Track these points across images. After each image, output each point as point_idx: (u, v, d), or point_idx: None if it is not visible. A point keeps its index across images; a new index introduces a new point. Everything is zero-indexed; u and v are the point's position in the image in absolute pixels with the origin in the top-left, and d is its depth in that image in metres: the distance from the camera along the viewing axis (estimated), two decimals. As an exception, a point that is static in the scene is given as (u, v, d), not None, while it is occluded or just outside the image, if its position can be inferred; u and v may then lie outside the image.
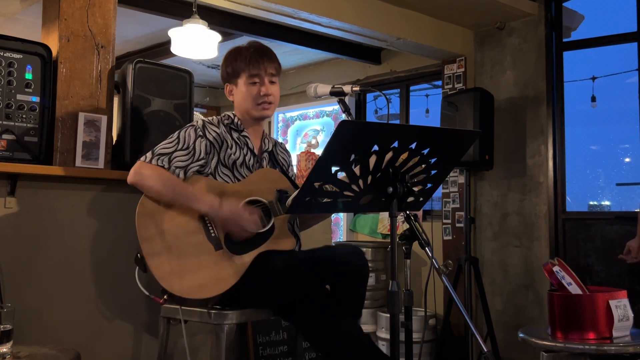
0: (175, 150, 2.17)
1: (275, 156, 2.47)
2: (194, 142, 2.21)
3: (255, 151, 2.37)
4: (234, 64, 2.34)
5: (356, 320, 2.21)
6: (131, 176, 2.15)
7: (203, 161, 2.22)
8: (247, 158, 2.32)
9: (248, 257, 2.14)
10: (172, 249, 2.10)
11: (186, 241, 2.12)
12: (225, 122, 2.36)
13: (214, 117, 2.36)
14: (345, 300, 2.16)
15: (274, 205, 2.21)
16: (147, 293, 2.13)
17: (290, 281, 2.08)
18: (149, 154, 2.17)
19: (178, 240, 2.11)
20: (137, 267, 2.13)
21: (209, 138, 2.25)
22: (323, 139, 6.30)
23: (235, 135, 2.34)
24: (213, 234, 2.15)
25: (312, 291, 2.08)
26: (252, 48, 2.35)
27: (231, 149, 2.29)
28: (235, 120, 2.37)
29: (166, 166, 2.14)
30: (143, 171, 2.13)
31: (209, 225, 2.15)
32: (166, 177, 2.13)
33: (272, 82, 2.34)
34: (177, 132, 2.24)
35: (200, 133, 2.24)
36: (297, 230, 2.42)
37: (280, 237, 2.21)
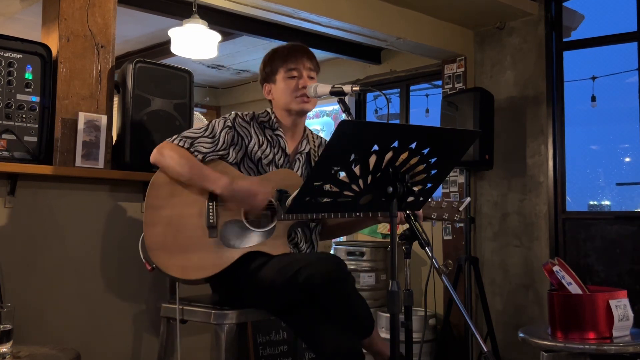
0: (201, 137, 2.23)
1: (312, 158, 2.42)
2: (220, 132, 2.25)
3: (288, 151, 2.35)
4: (273, 62, 2.36)
5: (356, 335, 2.11)
6: (153, 155, 2.21)
7: (224, 152, 2.25)
8: (277, 157, 2.32)
9: (236, 253, 2.14)
10: (171, 225, 2.14)
11: (186, 221, 2.15)
12: (261, 119, 2.36)
13: (249, 112, 2.37)
14: (331, 315, 2.06)
15: (280, 208, 2.20)
16: (142, 256, 2.17)
17: (269, 293, 2.08)
18: (175, 136, 2.23)
19: (178, 218, 2.15)
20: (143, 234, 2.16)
21: (238, 130, 2.29)
22: (323, 138, 6.30)
23: (268, 133, 2.35)
24: (212, 221, 2.16)
25: (294, 301, 2.06)
26: (289, 45, 2.39)
27: (261, 145, 2.30)
28: (272, 117, 2.37)
29: (187, 147, 2.19)
30: (164, 151, 2.19)
31: (210, 211, 2.17)
32: (185, 156, 2.18)
33: (310, 78, 2.33)
34: (208, 121, 2.30)
35: (229, 124, 2.28)
36: (313, 238, 2.39)
37: (276, 241, 2.19)
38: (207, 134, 2.24)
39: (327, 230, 2.48)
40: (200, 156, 2.21)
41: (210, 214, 2.17)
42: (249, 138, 2.30)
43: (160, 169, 2.21)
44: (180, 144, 2.20)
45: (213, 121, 2.29)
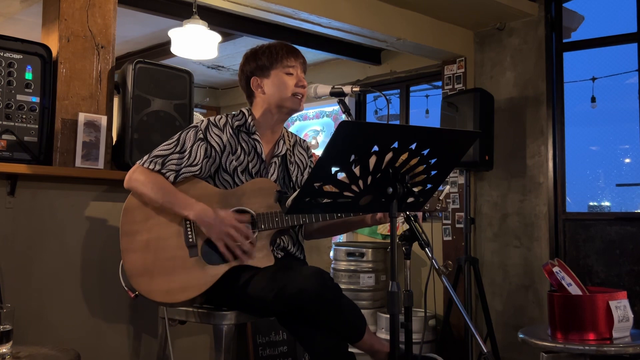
0: (172, 153, 2.17)
1: (289, 159, 2.38)
2: (192, 146, 2.19)
3: (264, 156, 2.30)
4: (268, 55, 2.29)
5: (347, 340, 2.12)
6: (126, 181, 2.17)
7: (197, 167, 2.19)
8: (251, 164, 2.27)
9: (221, 269, 2.11)
10: (149, 249, 2.10)
11: (164, 243, 2.12)
12: (236, 123, 2.29)
13: (223, 116, 2.29)
14: (321, 322, 2.05)
15: (260, 218, 2.17)
16: (123, 284, 2.14)
17: (259, 307, 2.08)
18: (145, 157, 2.17)
19: (156, 241, 2.12)
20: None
21: (211, 142, 2.22)
22: (323, 139, 6.30)
23: (244, 137, 2.29)
24: (191, 240, 2.13)
25: (282, 313, 2.06)
26: (283, 43, 2.34)
27: (234, 154, 2.25)
28: (249, 121, 2.31)
29: (158, 168, 2.14)
30: (137, 177, 2.15)
31: (188, 230, 2.14)
32: (159, 183, 2.13)
33: (303, 78, 2.32)
34: (179, 133, 2.22)
35: (201, 136, 2.21)
36: (300, 239, 2.39)
37: (260, 254, 2.16)
38: (178, 149, 2.18)
39: (311, 232, 2.48)
40: (172, 175, 2.15)
41: (189, 233, 2.14)
42: (222, 148, 2.24)
43: (131, 194, 2.17)
44: (151, 167, 2.14)
45: (182, 133, 2.21)
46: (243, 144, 2.28)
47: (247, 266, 2.13)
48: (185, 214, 2.13)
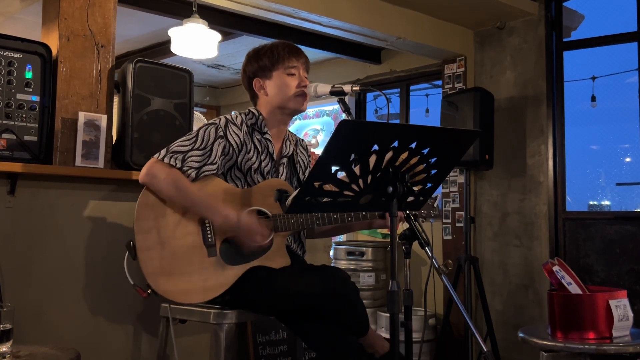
0: (192, 149, 2.11)
1: (294, 159, 2.39)
2: (212, 144, 2.15)
3: (275, 156, 2.30)
4: (270, 56, 2.28)
5: (355, 336, 2.15)
6: (143, 176, 2.10)
7: (215, 166, 2.15)
8: (263, 164, 2.25)
9: (239, 270, 2.11)
10: (166, 247, 2.07)
11: (181, 241, 2.09)
12: (249, 121, 2.28)
13: (238, 115, 2.27)
14: (342, 323, 2.08)
15: (277, 220, 2.17)
16: (132, 282, 2.11)
17: (279, 305, 2.07)
18: (163, 151, 2.11)
19: (173, 239, 2.09)
20: (127, 254, 2.11)
21: (230, 140, 2.19)
22: (323, 138, 6.30)
23: (257, 137, 2.27)
24: (210, 239, 2.11)
25: (300, 310, 2.06)
26: (286, 43, 2.33)
27: (249, 153, 2.23)
28: (260, 119, 2.29)
29: (178, 165, 2.08)
30: (156, 173, 2.07)
31: (207, 229, 2.12)
32: (181, 181, 2.07)
33: (306, 77, 2.31)
34: (197, 129, 2.18)
35: (221, 133, 2.17)
36: (302, 237, 2.39)
37: (276, 255, 2.17)
38: (197, 145, 2.12)
39: (313, 232, 2.49)
40: (193, 173, 2.10)
41: (208, 232, 2.11)
42: (240, 147, 2.21)
43: (146, 189, 2.11)
44: (171, 163, 2.07)
45: (201, 130, 2.17)
46: (256, 143, 2.27)
47: (264, 267, 2.13)
48: (212, 218, 2.10)
